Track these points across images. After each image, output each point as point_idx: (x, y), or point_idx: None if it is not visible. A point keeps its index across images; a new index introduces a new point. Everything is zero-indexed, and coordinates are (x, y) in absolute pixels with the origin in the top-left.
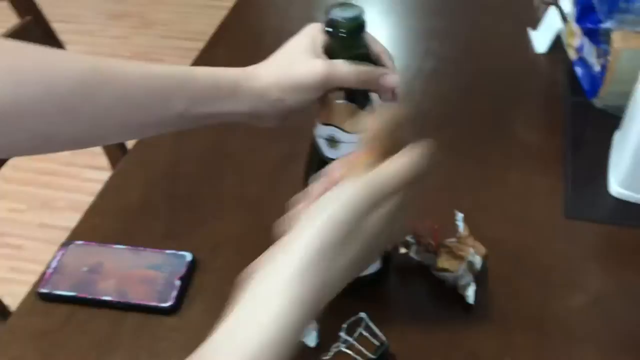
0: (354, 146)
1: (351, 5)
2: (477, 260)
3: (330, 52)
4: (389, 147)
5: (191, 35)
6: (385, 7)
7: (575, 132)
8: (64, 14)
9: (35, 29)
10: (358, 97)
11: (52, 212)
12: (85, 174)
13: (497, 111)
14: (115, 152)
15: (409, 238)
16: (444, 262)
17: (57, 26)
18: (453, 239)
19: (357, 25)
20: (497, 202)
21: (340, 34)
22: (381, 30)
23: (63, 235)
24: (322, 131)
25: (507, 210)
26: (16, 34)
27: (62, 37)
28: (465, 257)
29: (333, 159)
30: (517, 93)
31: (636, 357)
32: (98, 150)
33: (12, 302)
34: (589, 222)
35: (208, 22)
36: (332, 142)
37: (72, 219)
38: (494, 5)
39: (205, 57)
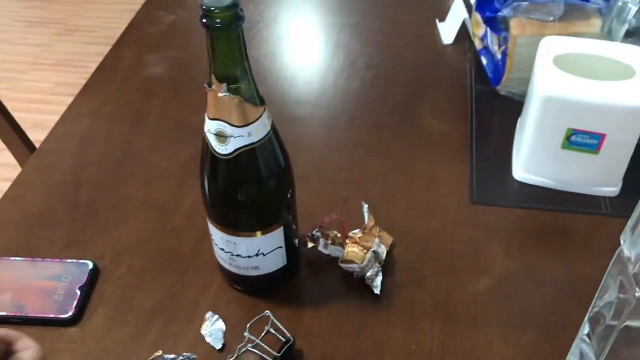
0: (243, 140)
1: None
2: (383, 250)
3: (209, 46)
4: None
5: (115, 40)
6: (296, 3)
7: (481, 119)
8: None
9: None
10: (244, 89)
11: None
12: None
13: (405, 102)
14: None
15: (315, 232)
16: (349, 253)
17: None
18: (358, 230)
19: (232, 15)
20: (404, 192)
21: (215, 25)
22: (291, 24)
23: None
24: (209, 126)
25: (413, 199)
26: None
27: None
28: (370, 247)
29: (223, 154)
30: (424, 84)
31: (537, 334)
32: (15, 162)
33: None
34: (494, 207)
35: None
36: (221, 136)
37: None
38: None
39: (112, 58)
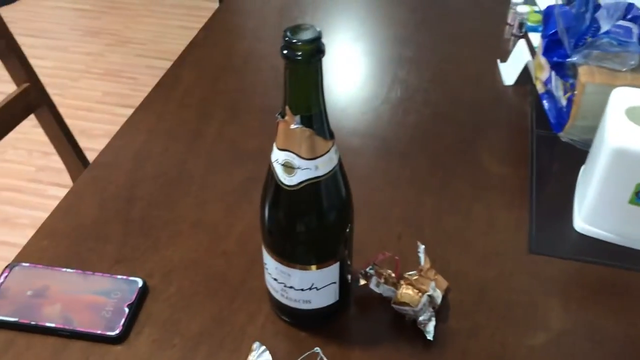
0: (310, 172)
1: (308, 27)
2: (438, 295)
3: (287, 78)
4: None
5: (166, 55)
6: (354, 35)
7: (541, 165)
8: (37, 28)
9: None
10: (316, 122)
11: (12, 229)
12: (50, 192)
13: (463, 141)
14: (79, 170)
15: (368, 269)
16: (404, 295)
17: (29, 40)
18: (414, 272)
19: (314, 48)
20: (460, 234)
21: (296, 58)
22: (349, 57)
23: None
24: (278, 156)
25: (470, 243)
26: None
27: (34, 52)
28: (425, 291)
29: (289, 186)
30: (483, 123)
31: None
32: (63, 167)
33: None
34: (553, 258)
35: (183, 43)
36: (288, 167)
37: None
38: (463, 36)
39: (171, 76)
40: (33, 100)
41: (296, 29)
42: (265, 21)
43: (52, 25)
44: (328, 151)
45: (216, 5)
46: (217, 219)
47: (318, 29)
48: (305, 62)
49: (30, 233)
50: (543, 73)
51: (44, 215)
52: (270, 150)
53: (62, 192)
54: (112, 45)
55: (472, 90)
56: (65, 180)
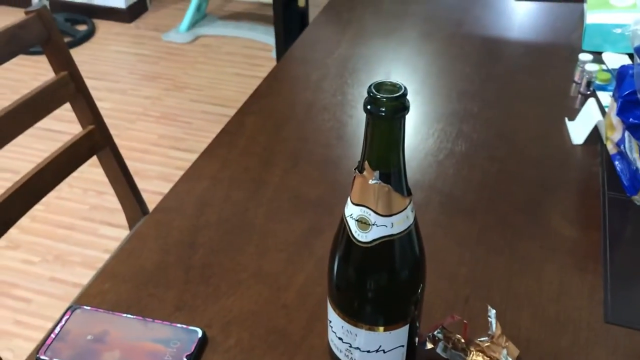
0: (385, 230)
1: (393, 84)
2: None
3: (368, 133)
4: None
5: (220, 100)
6: (417, 87)
7: (614, 229)
8: (99, 71)
9: (69, 84)
10: (394, 178)
11: (64, 267)
12: (102, 231)
13: (531, 201)
14: (134, 211)
15: (436, 333)
16: None
17: (91, 83)
18: (485, 338)
19: (399, 105)
20: (530, 299)
21: (380, 113)
22: (413, 109)
23: (73, 292)
24: (352, 211)
25: (541, 309)
26: (51, 87)
27: (95, 93)
28: (497, 359)
29: (362, 242)
30: (552, 183)
31: None
32: (117, 207)
33: (12, 358)
34: (632, 330)
35: (237, 90)
36: (363, 223)
37: (84, 275)
38: (530, 92)
39: (236, 123)
40: (97, 141)
41: (381, 85)
42: (328, 72)
43: (113, 69)
44: (405, 208)
45: (271, 54)
46: (277, 269)
47: (403, 86)
48: (389, 118)
49: (81, 271)
50: (615, 133)
51: (96, 253)
52: (334, 201)
53: (113, 232)
54: (169, 89)
55: (539, 148)
56: (117, 220)
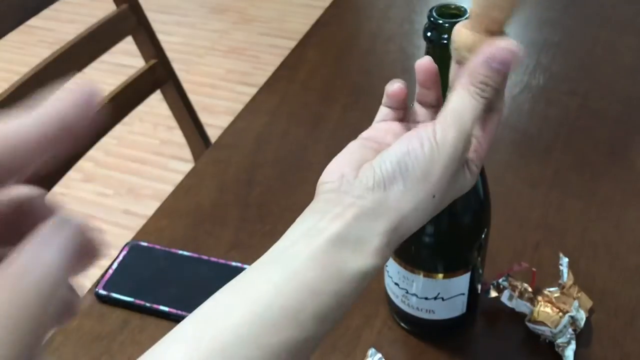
0: None
1: (458, 7)
2: (581, 316)
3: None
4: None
5: (288, 33)
6: None
7: None
8: (167, 5)
9: (130, 17)
10: None
11: (137, 200)
12: (172, 165)
13: (615, 140)
14: (199, 146)
15: (502, 281)
16: (541, 313)
17: (158, 17)
18: (554, 288)
19: None
20: (608, 247)
21: (442, 42)
22: None
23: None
24: None
25: (620, 258)
26: (111, 21)
27: (163, 27)
28: (567, 311)
29: None
30: (638, 122)
31: None
32: (184, 142)
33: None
34: None
35: (306, 22)
36: None
37: (155, 208)
38: (618, 21)
39: (296, 57)
40: (160, 76)
41: (444, 8)
42: (395, 0)
43: (182, 2)
44: None
45: None
46: None
47: (466, 9)
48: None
49: (152, 203)
50: None
51: (165, 187)
52: None
53: (182, 166)
54: (237, 23)
55: (626, 83)
56: (186, 155)
